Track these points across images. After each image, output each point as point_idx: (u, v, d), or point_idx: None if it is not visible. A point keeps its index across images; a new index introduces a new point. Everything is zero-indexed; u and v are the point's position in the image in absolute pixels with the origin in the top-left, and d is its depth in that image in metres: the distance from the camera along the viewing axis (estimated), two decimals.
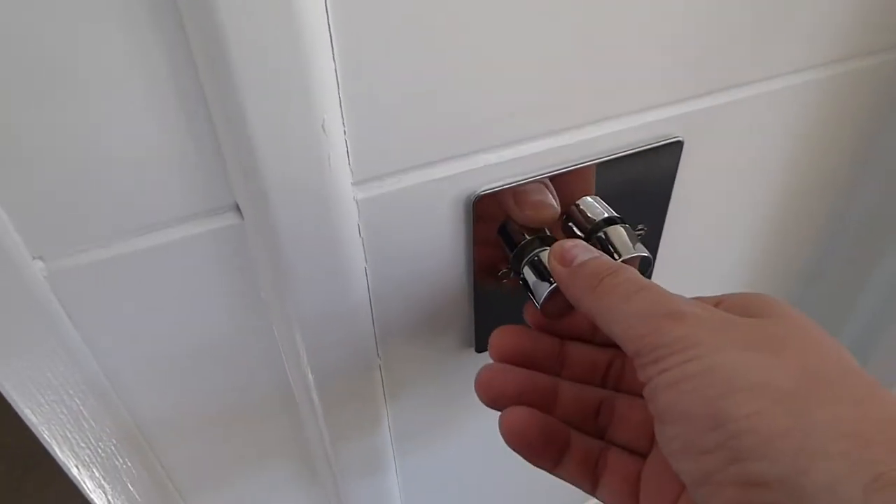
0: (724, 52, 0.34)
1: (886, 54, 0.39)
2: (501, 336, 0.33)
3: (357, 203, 0.30)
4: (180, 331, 0.32)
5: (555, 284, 0.34)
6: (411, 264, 0.35)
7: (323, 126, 0.26)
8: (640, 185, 0.37)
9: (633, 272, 0.27)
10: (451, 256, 0.35)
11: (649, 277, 0.43)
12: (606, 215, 0.35)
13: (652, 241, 0.40)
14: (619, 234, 0.34)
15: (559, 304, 0.35)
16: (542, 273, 0.35)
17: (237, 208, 0.29)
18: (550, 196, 0.35)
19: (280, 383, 0.37)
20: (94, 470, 0.35)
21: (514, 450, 0.30)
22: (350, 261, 0.32)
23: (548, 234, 0.36)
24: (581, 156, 0.34)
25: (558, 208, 0.35)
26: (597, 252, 0.29)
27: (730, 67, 0.35)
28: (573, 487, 0.58)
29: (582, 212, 0.36)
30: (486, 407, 0.47)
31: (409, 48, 0.27)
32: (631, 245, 0.34)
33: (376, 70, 0.27)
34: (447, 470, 0.51)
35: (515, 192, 0.34)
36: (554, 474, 0.30)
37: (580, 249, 0.29)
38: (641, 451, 0.30)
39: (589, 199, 0.36)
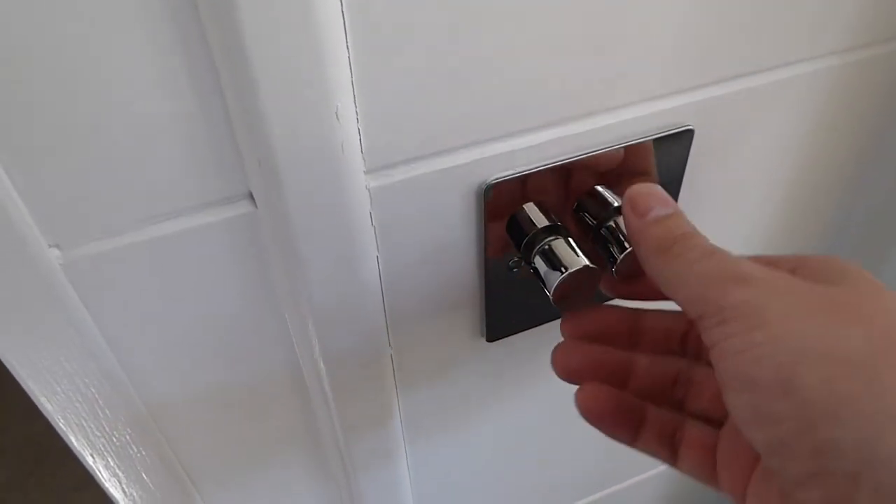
0: (734, 40, 0.34)
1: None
2: (572, 314, 0.34)
3: (369, 191, 0.31)
4: (195, 320, 0.33)
5: (566, 273, 0.34)
6: (423, 253, 0.35)
7: (336, 114, 0.26)
8: (653, 174, 0.37)
9: (706, 239, 0.26)
10: (462, 245, 0.35)
11: None
12: (617, 204, 0.35)
13: None
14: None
15: (569, 287, 0.35)
16: (553, 262, 0.35)
17: (251, 197, 0.29)
18: None
19: (292, 372, 0.38)
20: (109, 459, 0.36)
21: (591, 424, 0.31)
22: (362, 249, 0.32)
23: (558, 224, 0.36)
24: (592, 144, 0.34)
25: None
26: (671, 205, 0.28)
27: (740, 56, 0.35)
28: (588, 478, 0.58)
29: (593, 201, 0.36)
30: (497, 396, 0.47)
31: (422, 37, 0.27)
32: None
33: (389, 58, 0.27)
34: (458, 460, 0.52)
35: None
36: (633, 447, 0.30)
37: (656, 199, 0.28)
38: (719, 419, 0.29)
39: (599, 188, 0.36)
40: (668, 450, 0.30)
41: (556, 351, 0.33)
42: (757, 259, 0.26)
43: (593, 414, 0.30)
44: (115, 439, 0.35)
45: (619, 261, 0.35)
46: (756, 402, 0.21)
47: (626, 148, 0.35)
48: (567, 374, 0.32)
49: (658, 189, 0.28)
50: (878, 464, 0.19)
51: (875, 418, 0.19)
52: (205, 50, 0.24)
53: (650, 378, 0.32)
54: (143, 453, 0.36)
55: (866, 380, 0.20)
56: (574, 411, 0.53)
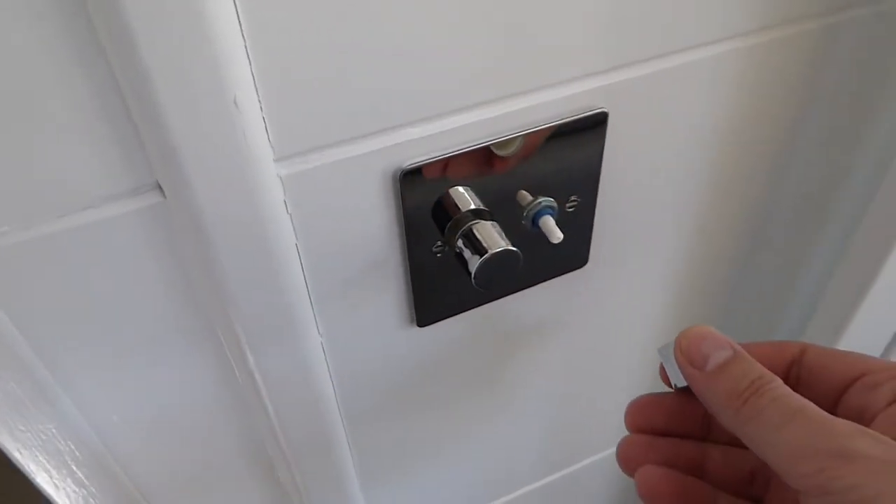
0: (646, 21, 0.35)
1: (810, 22, 0.40)
2: (638, 407, 0.31)
3: (281, 179, 0.31)
4: (110, 316, 0.33)
5: (486, 255, 0.35)
6: (344, 240, 0.35)
7: (235, 101, 0.26)
8: (570, 158, 0.38)
9: (780, 387, 0.24)
10: (383, 232, 0.36)
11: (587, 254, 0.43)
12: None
13: (586, 213, 0.41)
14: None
15: (491, 272, 0.36)
16: (476, 245, 0.36)
17: (159, 187, 0.29)
18: None
19: (220, 365, 0.38)
20: (39, 454, 0.35)
21: None
22: (279, 238, 0.32)
23: (480, 206, 0.36)
24: (506, 128, 0.35)
25: None
26: (728, 345, 0.26)
27: (653, 37, 0.36)
28: (535, 469, 0.59)
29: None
30: (436, 381, 0.48)
31: (321, 22, 0.27)
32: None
33: (289, 44, 0.27)
34: (405, 452, 0.52)
35: None
36: None
37: (710, 345, 0.26)
38: None
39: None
40: None
41: (620, 445, 0.30)
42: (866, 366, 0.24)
43: (653, 497, 0.28)
44: (42, 435, 0.35)
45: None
46: None
47: (540, 131, 0.36)
48: (632, 470, 0.29)
49: (710, 330, 0.26)
50: None
51: None
52: (92, 36, 0.24)
53: (725, 471, 0.29)
54: (71, 447, 0.36)
55: None
56: (520, 391, 0.54)
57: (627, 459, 0.30)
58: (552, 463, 0.67)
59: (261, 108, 0.28)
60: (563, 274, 0.45)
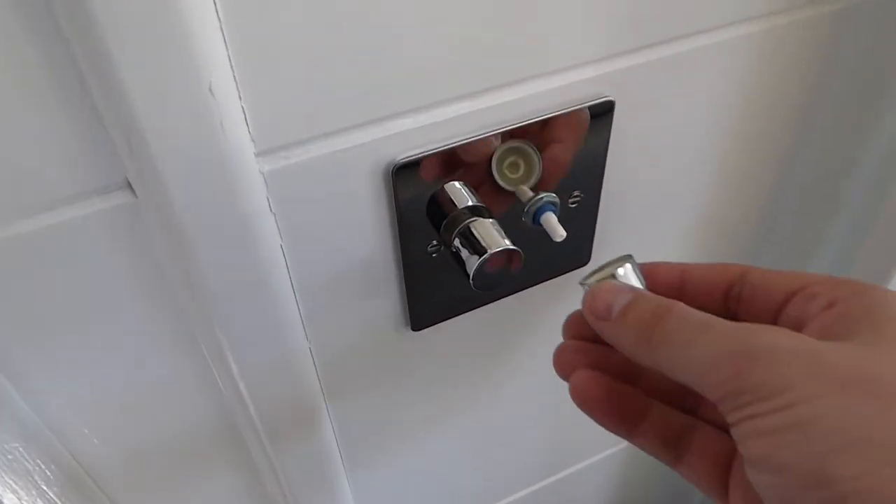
0: (653, 4, 0.32)
1: (822, 6, 0.38)
2: (574, 318, 0.30)
3: (264, 175, 0.28)
4: (82, 322, 0.30)
5: (486, 255, 0.32)
6: (333, 240, 0.33)
7: (210, 89, 0.24)
8: (574, 149, 0.36)
9: (683, 308, 0.24)
10: (374, 230, 0.33)
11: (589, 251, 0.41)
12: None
13: (590, 207, 0.39)
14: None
15: (494, 272, 0.34)
16: (474, 245, 0.33)
17: (129, 185, 0.27)
18: None
19: (200, 369, 0.35)
20: (4, 475, 0.33)
21: (583, 411, 0.28)
22: (262, 238, 0.30)
23: (478, 203, 0.34)
24: (505, 119, 0.32)
25: None
26: (629, 290, 0.26)
27: (661, 22, 0.33)
28: (528, 473, 0.57)
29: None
30: (431, 385, 0.46)
31: (307, 2, 0.25)
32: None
33: (269, 24, 0.24)
34: (397, 457, 0.50)
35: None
36: (630, 441, 0.28)
37: (613, 294, 0.26)
38: None
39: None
40: (671, 452, 0.27)
41: (557, 351, 0.30)
42: (795, 295, 0.24)
43: (584, 401, 0.28)
44: (8, 456, 0.32)
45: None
46: (784, 487, 0.20)
47: (543, 122, 0.33)
48: (568, 376, 0.29)
49: (609, 284, 0.26)
50: None
51: None
52: (51, 22, 0.21)
53: (659, 381, 0.29)
54: (42, 466, 0.34)
55: None
56: (515, 396, 0.52)
57: (562, 363, 0.29)
58: (549, 466, 0.65)
59: (239, 96, 0.26)
60: (564, 273, 0.42)
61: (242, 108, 0.26)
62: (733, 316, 0.27)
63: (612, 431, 0.28)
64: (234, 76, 0.25)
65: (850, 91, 0.44)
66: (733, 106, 0.40)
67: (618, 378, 0.28)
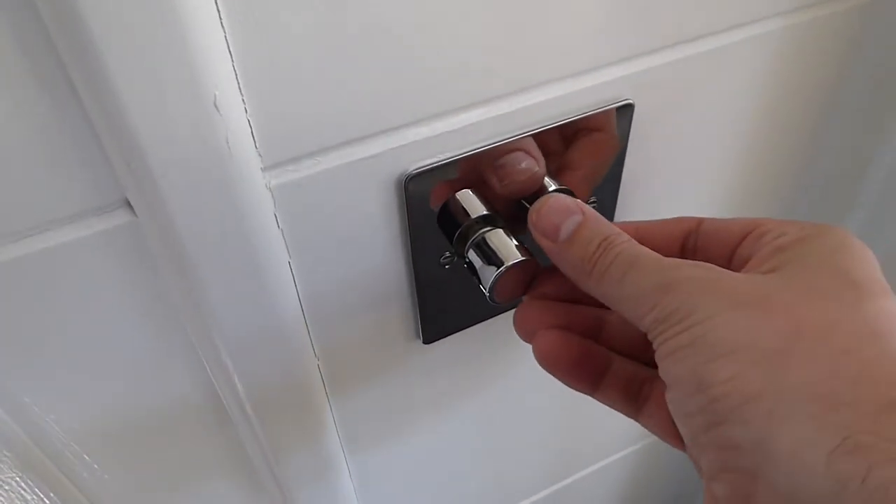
0: (673, 3, 0.31)
1: (844, 2, 0.37)
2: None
3: (271, 190, 0.27)
4: (84, 346, 0.29)
5: (503, 268, 0.31)
6: (342, 255, 0.31)
7: (215, 103, 0.22)
8: (593, 155, 0.34)
9: (623, 240, 0.25)
10: (386, 244, 0.32)
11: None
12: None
13: (606, 213, 0.38)
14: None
15: (512, 284, 0.32)
16: (489, 256, 0.32)
17: (128, 204, 0.25)
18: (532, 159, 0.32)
19: (207, 394, 0.34)
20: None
21: (548, 371, 0.28)
22: (269, 256, 0.28)
23: (494, 213, 0.32)
24: (522, 125, 0.31)
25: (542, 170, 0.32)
26: (577, 210, 0.26)
27: (680, 21, 0.32)
28: (535, 481, 0.56)
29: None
30: (440, 399, 0.44)
31: (312, 8, 0.23)
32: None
33: (276, 34, 0.23)
34: (405, 470, 0.49)
35: (495, 166, 0.31)
36: (593, 397, 0.29)
37: (560, 213, 0.26)
38: None
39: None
40: (632, 404, 0.28)
41: (517, 313, 0.30)
42: (746, 224, 0.25)
43: (549, 360, 0.28)
44: (4, 485, 0.31)
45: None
46: (677, 398, 0.22)
47: (561, 127, 0.32)
48: (530, 337, 0.29)
49: (559, 199, 0.27)
50: (772, 464, 0.19)
51: (772, 416, 0.19)
52: (41, 28, 0.20)
53: (622, 332, 0.30)
54: (39, 494, 0.32)
55: (772, 376, 0.19)
56: (522, 406, 0.50)
57: (523, 323, 0.30)
58: (554, 474, 0.63)
59: (245, 109, 0.24)
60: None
61: (248, 121, 0.24)
62: None
63: (575, 389, 0.29)
64: (240, 88, 0.23)
65: (869, 88, 0.43)
66: (753, 106, 0.38)
67: (581, 334, 0.29)
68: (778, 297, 0.21)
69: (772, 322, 0.20)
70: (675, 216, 0.28)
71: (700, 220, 0.27)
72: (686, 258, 0.26)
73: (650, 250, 0.24)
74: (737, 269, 0.23)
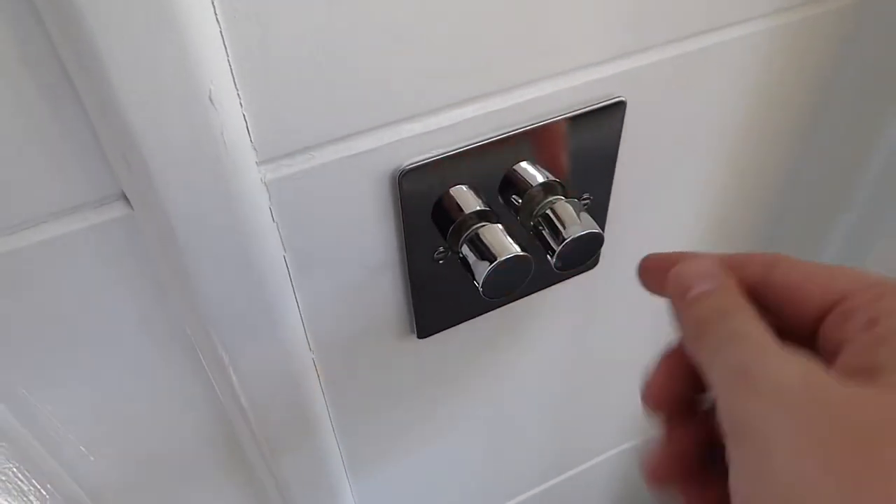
0: (665, 2, 0.31)
1: (837, 0, 0.37)
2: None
3: (266, 185, 0.27)
4: (80, 337, 0.29)
5: (496, 262, 0.31)
6: (337, 249, 0.32)
7: (210, 97, 0.22)
8: (583, 152, 0.34)
9: (747, 316, 0.21)
10: (380, 238, 0.32)
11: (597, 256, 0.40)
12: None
13: (599, 209, 0.38)
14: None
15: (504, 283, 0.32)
16: (482, 251, 0.32)
17: (125, 197, 0.25)
18: None
19: (203, 385, 0.34)
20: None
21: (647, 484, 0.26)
22: (264, 250, 0.28)
23: (487, 209, 0.33)
24: (515, 121, 0.31)
25: None
26: (718, 278, 0.23)
27: (672, 19, 0.32)
28: (529, 477, 0.55)
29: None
30: (436, 394, 0.44)
31: (309, 3, 0.23)
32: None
33: (271, 28, 0.23)
34: (398, 462, 0.49)
35: None
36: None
37: (699, 275, 0.24)
38: None
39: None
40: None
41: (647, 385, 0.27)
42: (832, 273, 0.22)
43: (654, 479, 0.26)
44: (2, 476, 0.31)
45: (557, 252, 0.32)
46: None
47: (553, 124, 0.32)
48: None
49: (704, 263, 0.24)
50: None
51: None
52: (38, 26, 0.20)
53: None
54: (36, 485, 0.32)
55: None
56: (516, 400, 0.51)
57: (652, 397, 0.26)
58: (551, 468, 0.64)
59: (240, 103, 0.24)
60: (572, 277, 0.41)
61: (244, 115, 0.25)
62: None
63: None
64: (235, 83, 0.24)
65: (860, 88, 0.43)
66: (745, 104, 0.39)
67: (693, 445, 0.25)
68: (878, 462, 0.16)
69: (873, 491, 0.16)
70: (675, 216, 0.27)
71: (768, 270, 0.24)
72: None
73: (760, 328, 0.21)
74: (825, 353, 0.21)
